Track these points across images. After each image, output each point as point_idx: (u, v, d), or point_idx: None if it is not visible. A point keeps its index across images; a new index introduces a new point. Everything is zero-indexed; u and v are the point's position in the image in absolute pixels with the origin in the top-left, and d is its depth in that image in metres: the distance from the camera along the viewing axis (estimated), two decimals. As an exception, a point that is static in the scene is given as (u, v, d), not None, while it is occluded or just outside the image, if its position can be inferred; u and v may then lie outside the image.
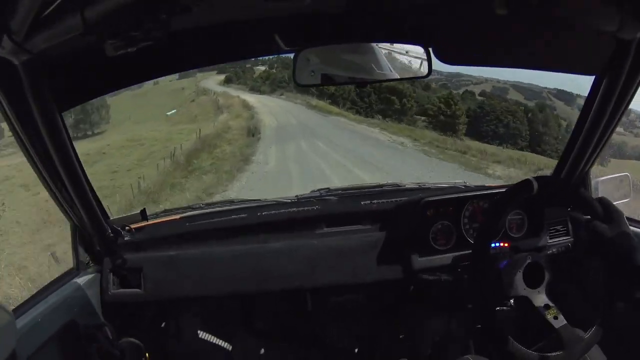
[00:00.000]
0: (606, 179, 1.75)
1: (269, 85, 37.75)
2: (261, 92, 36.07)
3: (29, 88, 1.02)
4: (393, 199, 1.67)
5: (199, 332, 1.75)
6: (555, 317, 1.39)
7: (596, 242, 1.41)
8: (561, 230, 1.62)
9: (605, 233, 1.37)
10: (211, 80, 37.60)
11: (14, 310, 1.21)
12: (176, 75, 32.72)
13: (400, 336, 1.80)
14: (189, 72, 32.81)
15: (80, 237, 1.48)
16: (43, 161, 1.20)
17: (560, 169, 1.60)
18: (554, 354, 1.31)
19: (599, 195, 1.66)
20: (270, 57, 32.26)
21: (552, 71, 1.53)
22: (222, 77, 41.44)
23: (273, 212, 1.67)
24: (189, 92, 37.59)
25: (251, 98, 32.84)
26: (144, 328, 1.62)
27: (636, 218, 1.60)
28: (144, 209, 1.56)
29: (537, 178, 1.54)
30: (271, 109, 28.53)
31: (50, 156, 1.19)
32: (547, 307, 1.39)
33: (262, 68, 39.59)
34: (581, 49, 1.34)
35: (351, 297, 1.72)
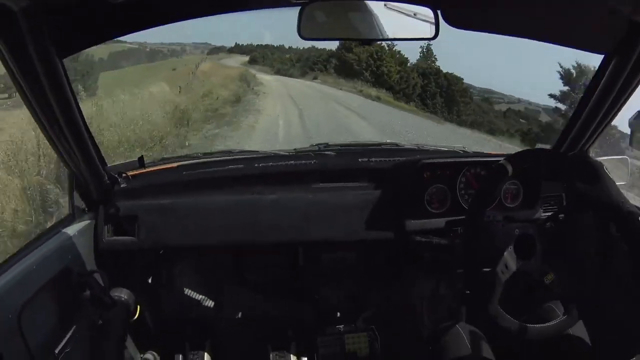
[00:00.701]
0: (604, 159, 1.75)
1: (299, 67, 30.80)
2: (291, 76, 28.78)
3: (29, 34, 1.01)
4: (391, 158, 1.67)
5: (190, 282, 1.78)
6: (553, 281, 1.39)
7: (584, 205, 1.42)
8: (555, 204, 1.64)
9: (588, 193, 1.37)
10: (233, 60, 31.83)
11: (9, 257, 1.22)
12: (196, 53, 29.78)
13: (390, 296, 1.83)
14: (212, 52, 30.69)
15: (77, 184, 1.48)
16: (42, 107, 1.20)
17: (561, 144, 1.60)
18: (537, 325, 1.33)
19: None
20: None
21: (561, 45, 1.51)
22: (246, 58, 34.05)
23: (270, 164, 1.67)
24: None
25: (268, 77, 25.44)
26: (136, 277, 1.64)
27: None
28: (142, 156, 1.56)
29: (536, 150, 1.54)
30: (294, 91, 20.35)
31: (49, 102, 1.18)
32: (542, 274, 1.41)
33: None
34: (593, 26, 1.32)
35: (343, 254, 1.74)
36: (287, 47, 32.78)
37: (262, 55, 34.07)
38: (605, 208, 1.31)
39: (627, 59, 1.28)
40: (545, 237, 1.43)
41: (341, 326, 1.79)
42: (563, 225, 1.57)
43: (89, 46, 1.36)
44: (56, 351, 1.23)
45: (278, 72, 30.20)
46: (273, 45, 34.16)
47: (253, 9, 1.33)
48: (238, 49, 34.35)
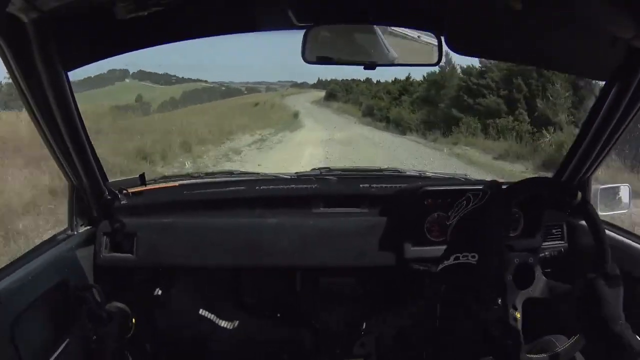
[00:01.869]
0: (607, 188, 1.74)
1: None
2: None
3: (36, 46, 1.03)
4: (392, 185, 1.66)
5: (186, 302, 1.76)
6: (516, 320, 1.39)
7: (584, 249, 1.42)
8: (556, 234, 1.62)
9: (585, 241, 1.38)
10: (302, 98, 24.81)
11: (6, 266, 1.22)
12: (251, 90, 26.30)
13: (388, 323, 1.81)
14: (270, 86, 28.02)
15: (77, 198, 1.48)
16: (45, 119, 1.21)
17: (562, 172, 1.60)
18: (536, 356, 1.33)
19: (598, 204, 1.66)
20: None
21: (563, 72, 1.53)
22: (320, 93, 26.04)
23: (271, 187, 1.67)
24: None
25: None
26: (133, 293, 1.62)
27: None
28: (143, 173, 1.56)
29: (537, 179, 1.53)
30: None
31: (53, 115, 1.20)
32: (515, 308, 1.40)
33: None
34: (593, 53, 1.32)
35: (342, 279, 1.72)
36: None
37: (344, 88, 24.55)
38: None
39: (628, 85, 1.28)
40: (544, 267, 1.43)
41: (338, 351, 1.76)
42: (564, 255, 1.57)
43: (95, 60, 1.38)
44: None
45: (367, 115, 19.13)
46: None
47: (258, 31, 1.35)
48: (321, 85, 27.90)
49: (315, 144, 12.06)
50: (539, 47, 1.38)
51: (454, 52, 1.38)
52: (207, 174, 1.78)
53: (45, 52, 1.06)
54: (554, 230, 1.62)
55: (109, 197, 1.50)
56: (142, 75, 27.21)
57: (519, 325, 1.37)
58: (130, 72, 27.19)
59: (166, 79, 27.95)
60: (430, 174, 1.83)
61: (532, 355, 1.36)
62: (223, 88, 26.03)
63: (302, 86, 28.88)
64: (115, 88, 25.18)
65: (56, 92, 1.15)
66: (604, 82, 1.41)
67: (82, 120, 1.31)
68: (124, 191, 1.55)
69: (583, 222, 1.50)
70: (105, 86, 23.98)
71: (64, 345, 1.30)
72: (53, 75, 1.12)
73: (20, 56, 1.04)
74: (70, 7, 1.00)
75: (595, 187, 1.67)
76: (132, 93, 23.26)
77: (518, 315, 1.37)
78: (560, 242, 1.61)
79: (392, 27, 1.32)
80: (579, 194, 1.37)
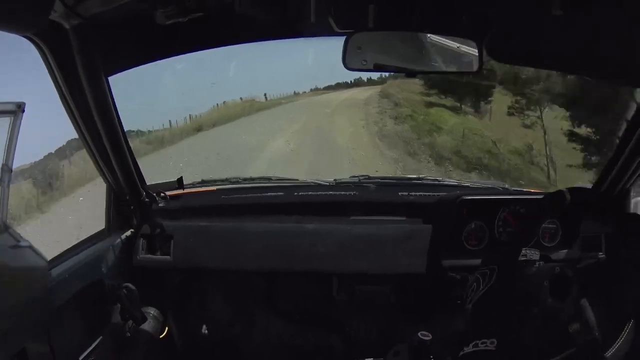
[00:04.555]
0: None
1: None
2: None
3: (78, 51, 1.06)
4: (431, 193, 1.66)
5: (221, 305, 1.77)
6: (578, 332, 1.37)
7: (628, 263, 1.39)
8: (594, 245, 1.59)
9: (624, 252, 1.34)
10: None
11: None
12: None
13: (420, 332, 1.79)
14: None
15: (115, 200, 1.51)
16: (86, 123, 1.24)
17: (602, 182, 1.56)
18: None
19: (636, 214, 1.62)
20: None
21: (602, 81, 1.50)
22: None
23: (310, 193, 1.68)
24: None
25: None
26: (167, 295, 1.64)
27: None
28: (181, 177, 1.58)
29: (576, 189, 1.50)
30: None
31: (93, 119, 1.22)
32: (571, 320, 1.38)
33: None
34: (635, 61, 1.30)
35: (377, 287, 1.71)
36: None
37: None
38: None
39: None
40: (582, 279, 1.40)
41: (370, 359, 1.75)
42: (602, 268, 1.53)
43: (135, 66, 1.41)
44: (80, 358, 1.24)
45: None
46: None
47: (299, 37, 1.36)
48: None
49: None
50: (580, 54, 1.36)
51: (495, 59, 1.37)
52: (245, 179, 1.79)
53: (86, 58, 1.08)
54: (592, 241, 1.58)
55: (146, 200, 1.52)
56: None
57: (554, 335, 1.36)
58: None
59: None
60: (468, 183, 1.81)
61: None
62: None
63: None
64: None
65: (97, 97, 1.18)
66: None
67: (122, 125, 1.34)
68: (162, 194, 1.57)
69: (622, 234, 1.48)
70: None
71: (97, 342, 1.32)
72: (94, 80, 1.14)
73: (62, 62, 1.08)
74: (111, 13, 1.02)
75: (635, 199, 1.63)
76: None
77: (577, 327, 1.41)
78: (598, 253, 1.57)
79: (432, 35, 1.31)
80: (619, 206, 1.34)
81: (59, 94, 1.19)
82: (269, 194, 1.67)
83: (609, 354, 1.40)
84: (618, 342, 1.40)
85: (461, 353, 1.51)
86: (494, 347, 1.52)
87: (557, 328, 1.49)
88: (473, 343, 1.54)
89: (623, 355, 1.38)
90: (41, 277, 1.09)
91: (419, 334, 1.40)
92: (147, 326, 1.50)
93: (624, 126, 1.59)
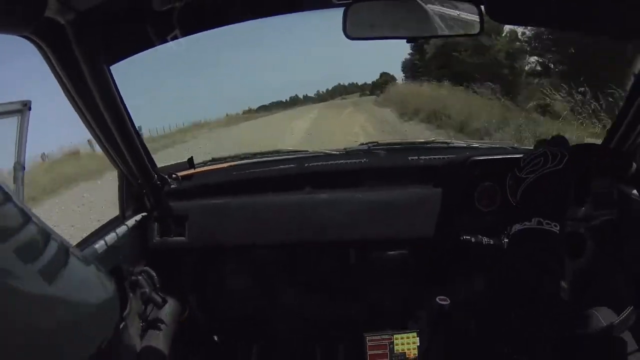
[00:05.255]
0: None
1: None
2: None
3: (77, 45, 1.05)
4: (441, 156, 1.66)
5: (239, 282, 1.79)
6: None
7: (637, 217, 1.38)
8: (607, 202, 1.58)
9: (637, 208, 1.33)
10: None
11: None
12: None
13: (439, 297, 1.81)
14: None
15: (127, 185, 1.53)
16: (91, 112, 1.25)
17: (611, 139, 1.55)
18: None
19: None
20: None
21: (608, 37, 1.48)
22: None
23: (321, 163, 1.70)
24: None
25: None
26: (186, 276, 1.67)
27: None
28: (192, 157, 1.60)
29: (585, 145, 1.49)
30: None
31: (98, 108, 1.23)
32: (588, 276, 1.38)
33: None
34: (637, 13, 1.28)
35: (393, 253, 1.73)
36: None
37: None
38: None
39: None
40: (596, 236, 1.39)
41: (390, 327, 1.77)
42: (615, 224, 1.52)
43: (135, 53, 1.41)
44: (102, 346, 1.26)
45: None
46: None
47: (297, 11, 1.35)
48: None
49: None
50: (582, 9, 1.34)
51: (495, 20, 1.36)
52: (255, 154, 1.81)
53: (86, 50, 1.08)
54: (604, 199, 1.58)
55: (158, 183, 1.53)
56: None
57: (566, 296, 1.35)
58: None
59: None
60: (477, 145, 1.82)
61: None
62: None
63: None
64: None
65: (100, 87, 1.18)
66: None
67: (129, 111, 1.35)
68: (174, 175, 1.59)
69: (634, 190, 1.47)
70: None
71: (120, 329, 1.34)
72: (95, 71, 1.15)
73: (63, 57, 1.08)
74: (106, 3, 1.02)
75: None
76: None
77: (564, 285, 1.35)
78: (611, 209, 1.57)
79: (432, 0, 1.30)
80: (632, 163, 1.33)
81: (63, 89, 1.20)
82: (280, 166, 1.69)
83: (616, 320, 1.40)
84: (627, 310, 1.39)
85: (519, 227, 1.38)
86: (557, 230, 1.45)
87: (571, 286, 1.49)
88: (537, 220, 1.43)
89: (630, 324, 1.38)
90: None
91: (437, 298, 1.41)
92: (167, 309, 1.52)
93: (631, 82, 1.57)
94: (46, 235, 0.59)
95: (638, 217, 1.47)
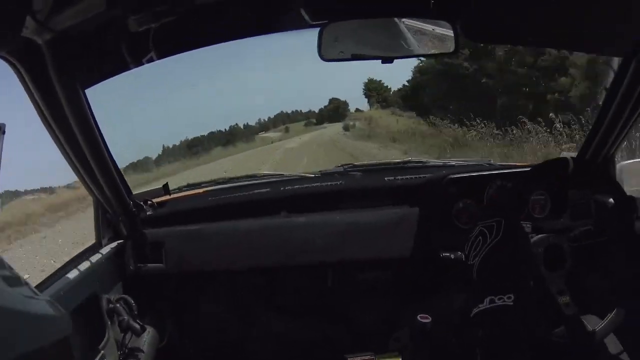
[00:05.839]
0: (629, 163, 1.73)
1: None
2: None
3: (52, 66, 1.03)
4: (417, 176, 1.66)
5: (219, 307, 1.77)
6: (567, 305, 1.39)
7: (618, 228, 1.41)
8: (583, 213, 1.61)
9: (622, 220, 1.36)
10: None
11: (37, 285, 1.22)
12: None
13: (420, 315, 1.81)
14: None
15: (103, 213, 1.49)
16: (66, 137, 1.21)
17: (586, 150, 1.58)
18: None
19: (623, 180, 1.65)
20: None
21: (581, 52, 1.51)
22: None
23: (296, 186, 1.68)
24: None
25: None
26: (164, 303, 1.63)
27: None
28: (167, 183, 1.57)
29: (561, 159, 1.52)
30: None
31: (72, 131, 1.20)
32: (561, 292, 1.40)
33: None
34: (611, 30, 1.31)
35: (372, 274, 1.72)
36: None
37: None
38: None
39: None
40: (575, 249, 1.42)
41: (373, 347, 1.76)
42: (593, 233, 1.55)
43: (111, 76, 1.39)
44: None
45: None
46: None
47: (273, 33, 1.34)
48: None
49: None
50: (555, 28, 1.36)
51: (470, 39, 1.38)
52: (231, 179, 1.78)
53: (62, 71, 1.06)
54: (581, 209, 1.60)
55: (134, 210, 1.50)
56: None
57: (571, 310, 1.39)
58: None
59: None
60: (453, 162, 1.82)
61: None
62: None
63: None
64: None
65: (74, 110, 1.15)
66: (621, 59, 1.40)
67: (103, 136, 1.32)
68: (149, 202, 1.56)
69: (610, 199, 1.50)
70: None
71: (97, 358, 1.30)
72: (70, 94, 1.12)
73: (38, 77, 1.05)
74: (84, 24, 1.00)
75: (619, 164, 1.66)
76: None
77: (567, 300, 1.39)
78: (589, 220, 1.60)
79: (407, 20, 1.31)
80: (604, 172, 1.36)
81: (37, 110, 1.16)
82: (255, 191, 1.67)
83: (598, 327, 1.42)
84: (609, 315, 1.41)
85: (475, 310, 1.47)
86: (511, 302, 1.49)
87: (549, 300, 1.50)
88: (489, 299, 1.48)
89: (614, 328, 1.40)
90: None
91: (418, 317, 1.41)
92: (146, 337, 1.48)
93: (603, 94, 1.61)
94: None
95: (614, 226, 1.49)
